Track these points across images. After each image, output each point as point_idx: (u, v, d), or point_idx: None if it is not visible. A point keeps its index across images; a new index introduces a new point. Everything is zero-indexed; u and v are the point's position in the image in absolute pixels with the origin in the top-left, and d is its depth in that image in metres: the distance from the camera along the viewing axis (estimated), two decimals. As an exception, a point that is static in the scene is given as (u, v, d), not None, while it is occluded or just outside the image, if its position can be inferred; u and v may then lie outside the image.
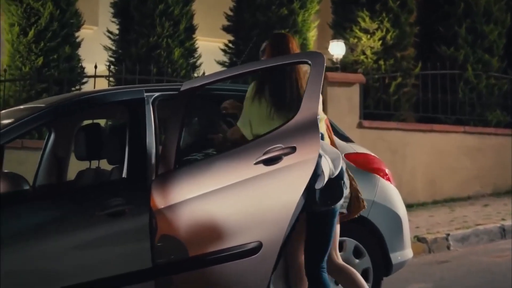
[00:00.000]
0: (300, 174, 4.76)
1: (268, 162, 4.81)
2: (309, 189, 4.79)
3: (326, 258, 5.13)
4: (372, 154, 6.40)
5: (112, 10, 12.63)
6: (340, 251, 5.80)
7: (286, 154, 4.80)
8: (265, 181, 4.81)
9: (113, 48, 12.49)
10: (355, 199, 5.41)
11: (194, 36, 12.65)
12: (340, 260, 5.37)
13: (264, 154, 4.82)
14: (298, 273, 5.26)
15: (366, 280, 6.06)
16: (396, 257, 6.18)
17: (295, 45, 5.31)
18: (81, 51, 11.96)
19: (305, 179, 4.74)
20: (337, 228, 5.33)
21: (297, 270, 5.27)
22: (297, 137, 4.81)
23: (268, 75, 5.14)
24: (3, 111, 6.08)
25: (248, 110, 5.11)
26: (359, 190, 5.43)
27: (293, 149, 4.79)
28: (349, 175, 5.33)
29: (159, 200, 4.94)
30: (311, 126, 4.81)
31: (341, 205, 5.21)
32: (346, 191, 5.14)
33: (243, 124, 5.12)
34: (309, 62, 4.95)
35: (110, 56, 12.42)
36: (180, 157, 5.24)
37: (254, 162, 4.83)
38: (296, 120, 4.85)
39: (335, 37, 13.91)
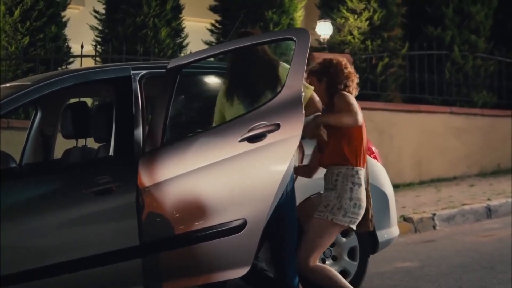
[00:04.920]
0: (284, 151, 4.77)
1: (252, 139, 4.82)
2: None
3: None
4: (359, 133, 6.41)
5: (98, -10, 12.57)
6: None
7: (270, 132, 4.81)
8: (249, 158, 4.82)
9: (100, 27, 12.41)
10: (368, 221, 5.45)
11: (181, 15, 12.59)
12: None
13: (249, 131, 4.83)
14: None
15: (353, 258, 6.12)
16: (382, 235, 6.22)
17: None
18: (67, 31, 11.86)
19: (289, 156, 4.76)
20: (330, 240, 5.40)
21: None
22: (281, 114, 4.81)
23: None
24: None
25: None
26: (373, 213, 5.50)
27: (277, 127, 4.80)
28: (367, 192, 5.43)
29: (146, 178, 4.94)
30: (295, 103, 4.81)
31: (350, 221, 5.26)
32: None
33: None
34: (294, 38, 4.95)
35: (97, 36, 12.34)
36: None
37: (239, 139, 4.84)
38: (280, 97, 4.86)
39: (322, 17, 13.88)
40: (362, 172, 5.35)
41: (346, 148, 5.31)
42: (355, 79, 5.56)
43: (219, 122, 5.17)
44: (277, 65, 5.14)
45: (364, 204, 5.32)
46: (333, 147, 5.31)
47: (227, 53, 5.27)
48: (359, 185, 5.29)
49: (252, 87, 5.10)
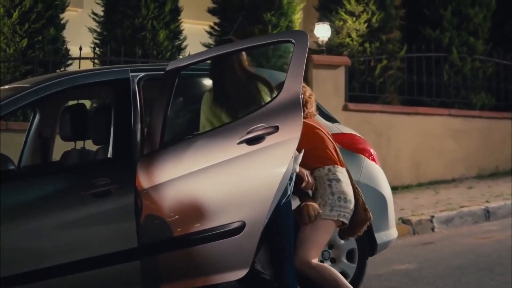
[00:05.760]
0: (282, 154, 4.78)
1: (251, 141, 4.83)
2: None
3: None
4: (358, 135, 6.42)
5: (97, -8, 12.55)
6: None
7: (269, 134, 4.81)
8: (248, 160, 4.83)
9: (98, 30, 12.39)
10: (361, 210, 5.46)
11: (179, 18, 12.57)
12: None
13: (247, 133, 4.83)
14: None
15: (351, 260, 6.11)
16: (381, 237, 6.21)
17: None
18: (66, 33, 11.86)
19: (287, 159, 4.76)
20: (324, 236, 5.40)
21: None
22: (279, 116, 4.82)
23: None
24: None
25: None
26: (365, 201, 5.50)
27: (276, 129, 4.80)
28: (354, 186, 5.45)
29: (144, 180, 4.95)
30: (294, 105, 4.82)
31: (338, 214, 5.28)
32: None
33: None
34: (293, 40, 4.96)
35: (95, 38, 12.32)
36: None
37: (238, 141, 4.84)
38: (279, 100, 4.87)
39: (320, 19, 13.85)
40: (337, 169, 5.41)
41: (310, 158, 5.34)
42: (309, 106, 5.54)
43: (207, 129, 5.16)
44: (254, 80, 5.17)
45: (350, 198, 5.37)
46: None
47: (225, 55, 5.28)
48: (337, 180, 5.36)
49: (231, 98, 5.14)
